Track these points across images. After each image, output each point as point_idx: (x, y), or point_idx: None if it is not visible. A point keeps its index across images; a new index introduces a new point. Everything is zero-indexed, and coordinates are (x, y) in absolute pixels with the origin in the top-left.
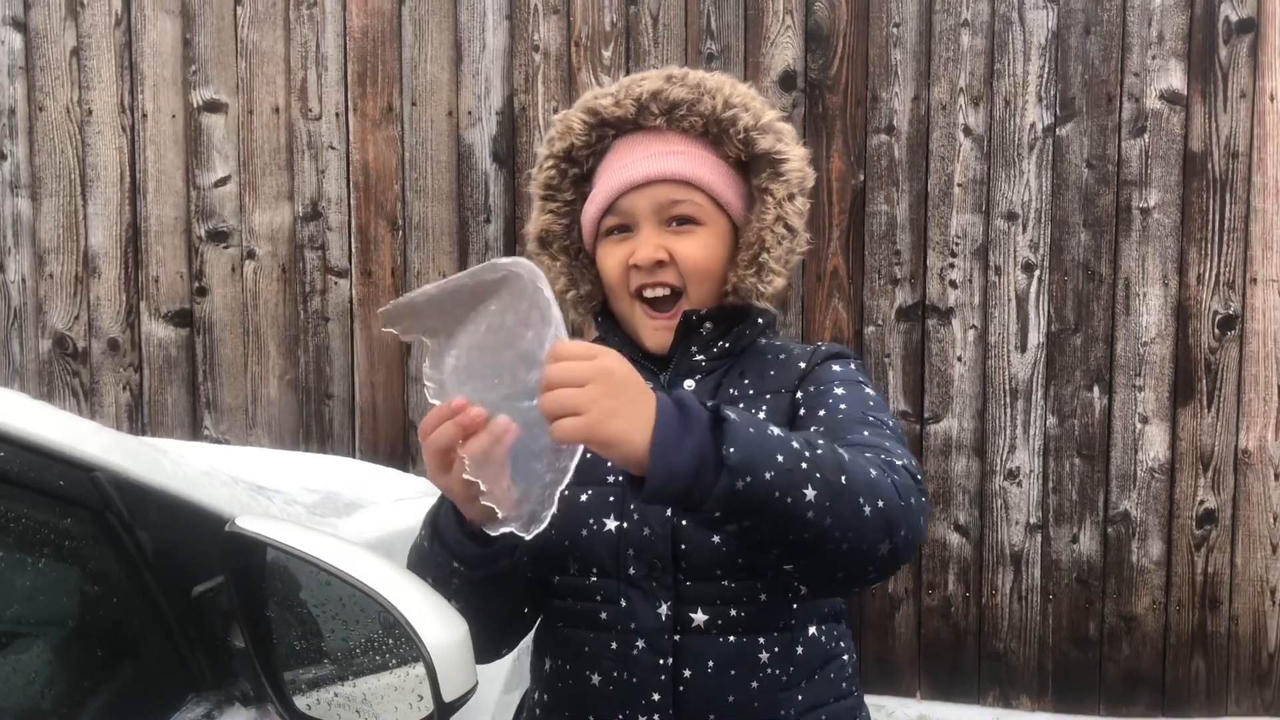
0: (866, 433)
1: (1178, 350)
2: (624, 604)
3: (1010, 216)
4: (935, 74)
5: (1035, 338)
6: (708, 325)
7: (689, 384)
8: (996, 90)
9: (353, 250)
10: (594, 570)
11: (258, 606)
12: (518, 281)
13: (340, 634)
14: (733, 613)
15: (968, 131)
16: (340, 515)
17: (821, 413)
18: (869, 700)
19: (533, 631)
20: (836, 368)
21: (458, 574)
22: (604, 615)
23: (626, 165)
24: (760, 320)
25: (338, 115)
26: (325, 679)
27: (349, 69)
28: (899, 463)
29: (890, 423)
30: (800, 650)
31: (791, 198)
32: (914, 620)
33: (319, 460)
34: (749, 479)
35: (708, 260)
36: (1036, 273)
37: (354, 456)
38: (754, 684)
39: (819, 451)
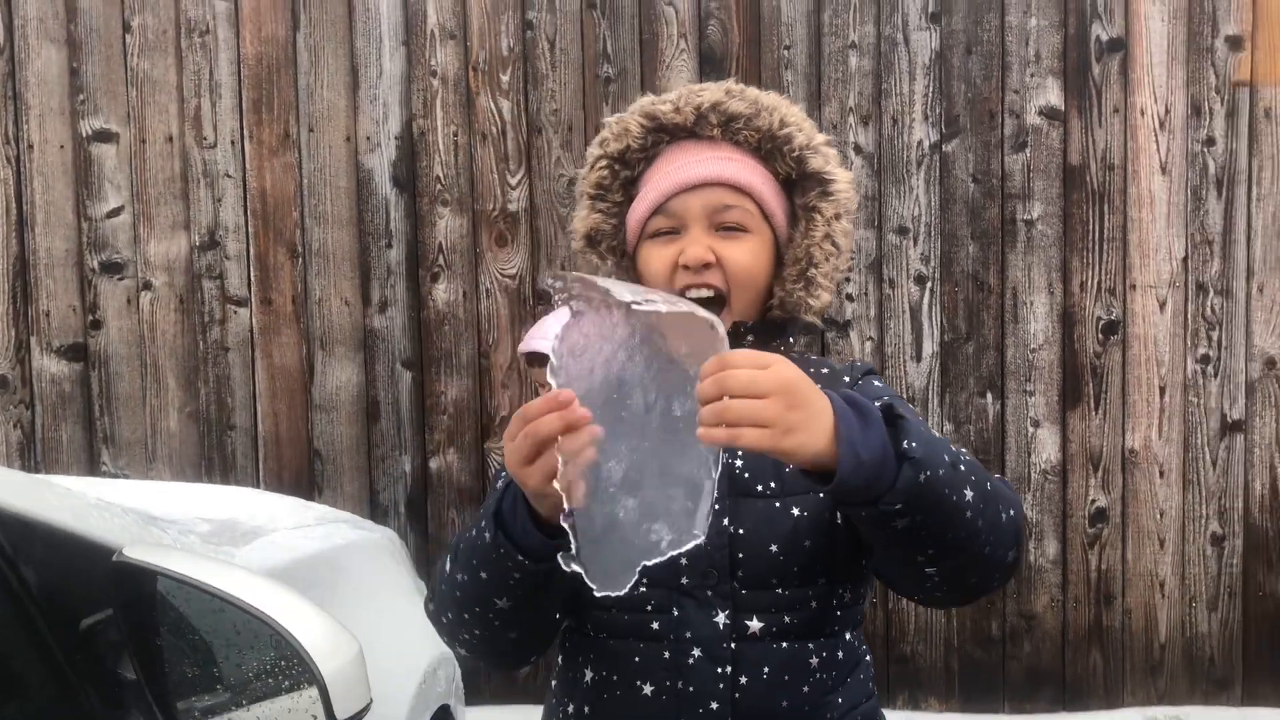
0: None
1: (1065, 356)
2: (677, 613)
3: (901, 231)
4: (826, 94)
5: (929, 347)
6: (750, 338)
7: None
8: (885, 109)
9: (252, 279)
10: (643, 580)
11: (149, 637)
12: (702, 329)
13: (234, 660)
14: (787, 620)
15: (858, 149)
16: (237, 544)
17: None
18: None
19: (557, 645)
20: (878, 384)
21: (520, 567)
22: (655, 625)
23: (680, 167)
24: (800, 336)
25: (233, 143)
26: (220, 706)
27: (244, 96)
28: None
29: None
30: (841, 655)
31: (838, 217)
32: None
33: (217, 490)
34: (928, 473)
35: (754, 267)
36: (928, 284)
37: (258, 487)
38: (805, 688)
39: (965, 457)
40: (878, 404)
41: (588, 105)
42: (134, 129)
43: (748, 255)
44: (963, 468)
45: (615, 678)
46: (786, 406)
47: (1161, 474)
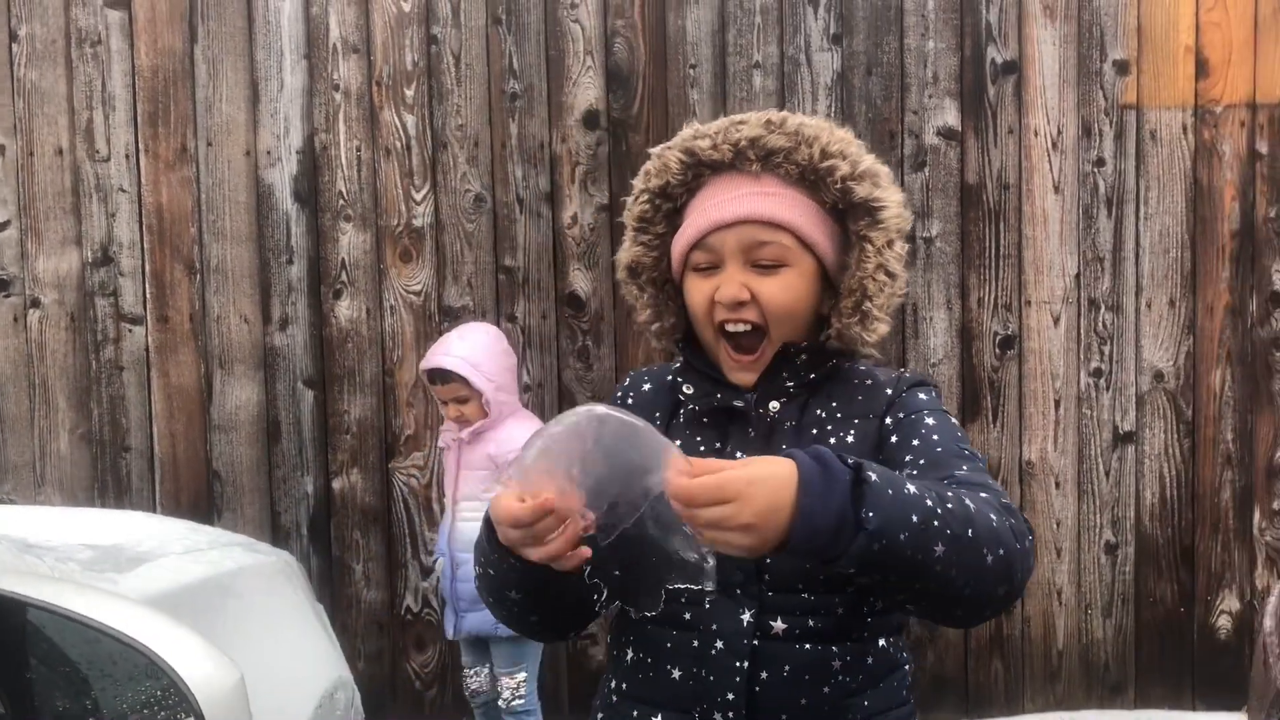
0: (965, 468)
1: (964, 370)
2: (708, 607)
3: None
4: (730, 113)
5: None
6: (803, 357)
7: (774, 405)
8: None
9: (147, 296)
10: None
11: (19, 670)
12: (593, 420)
13: (111, 692)
14: (811, 623)
15: None
16: (121, 570)
17: (915, 443)
18: None
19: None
20: (922, 395)
21: (517, 568)
22: (688, 616)
23: (718, 204)
24: (849, 355)
25: (128, 156)
26: None
27: (139, 109)
28: (1012, 504)
29: (978, 455)
30: (870, 660)
31: (890, 244)
32: None
33: (105, 515)
34: (884, 541)
35: (791, 301)
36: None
37: (154, 510)
38: (825, 689)
39: (949, 506)
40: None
41: (494, 120)
42: (21, 140)
43: (783, 290)
44: (936, 523)
45: (649, 659)
46: (753, 512)
47: (1057, 485)
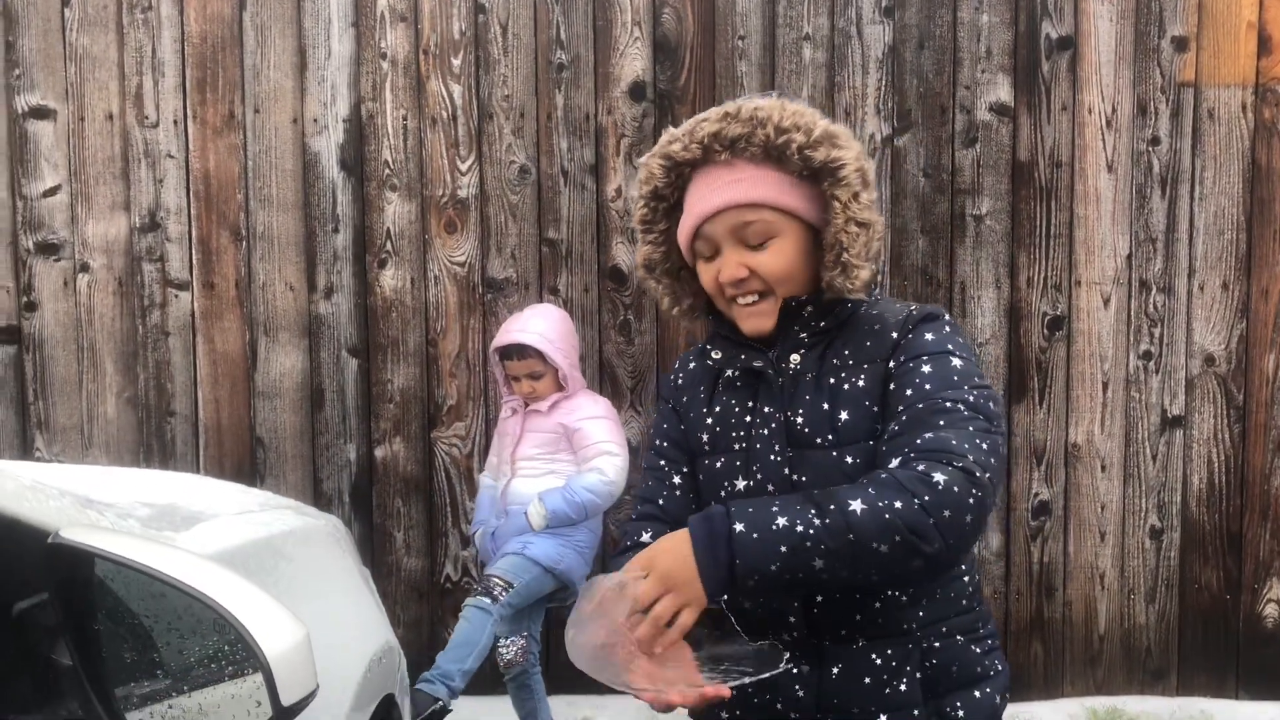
0: (941, 423)
1: (1011, 350)
2: None
3: None
4: (779, 85)
5: None
6: (809, 309)
7: (794, 358)
8: (837, 102)
9: (194, 262)
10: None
11: (85, 622)
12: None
13: (175, 646)
14: None
15: None
16: (178, 529)
17: (907, 392)
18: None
19: None
20: (929, 335)
21: None
22: None
23: (700, 199)
24: (856, 299)
25: (176, 122)
26: (160, 693)
27: (188, 75)
28: (939, 475)
29: (970, 397)
30: None
31: (856, 196)
32: None
33: (157, 475)
34: (756, 577)
35: (786, 266)
36: (879, 278)
37: (199, 475)
38: (876, 604)
39: (826, 522)
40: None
41: (540, 91)
42: (72, 106)
43: (776, 259)
44: (809, 544)
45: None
46: (674, 594)
47: (1103, 468)
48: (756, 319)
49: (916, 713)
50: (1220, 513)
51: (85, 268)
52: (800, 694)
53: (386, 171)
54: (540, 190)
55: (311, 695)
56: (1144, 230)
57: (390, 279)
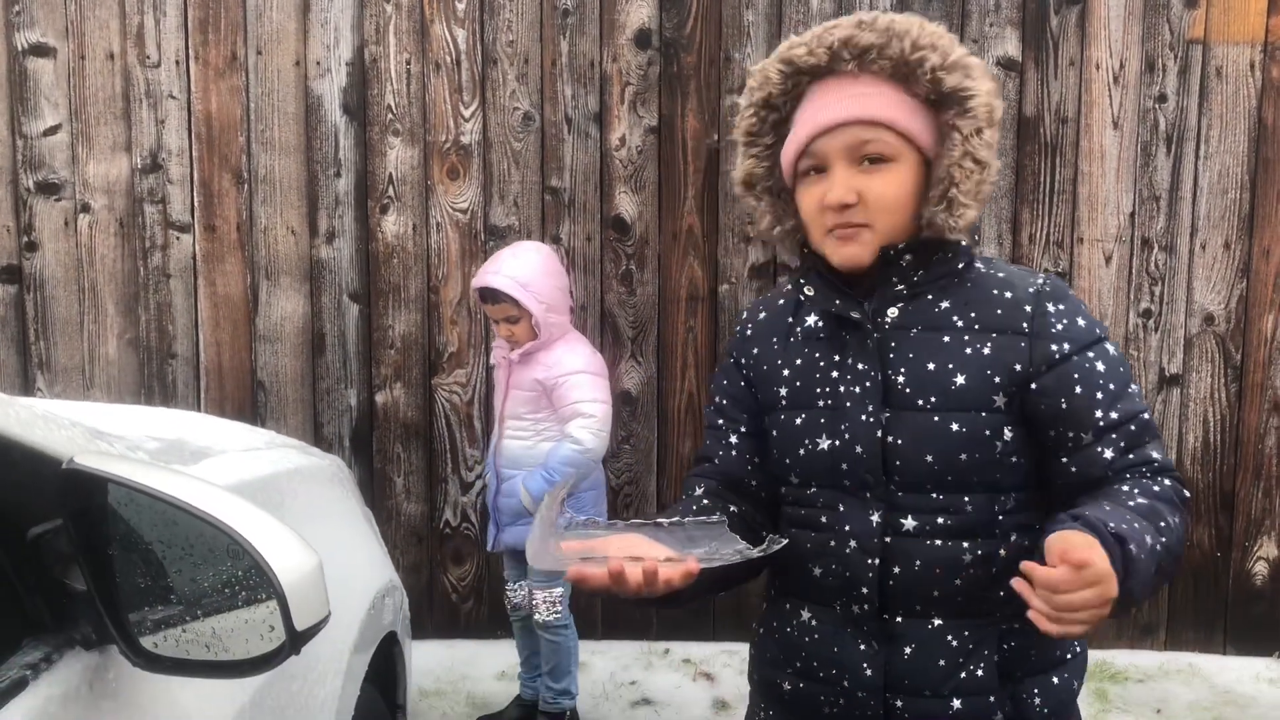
0: (1152, 447)
1: None
2: (841, 509)
3: None
4: (786, 34)
5: None
6: (907, 257)
7: (892, 311)
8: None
9: (195, 204)
10: (813, 482)
11: (99, 547)
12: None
13: (188, 573)
14: (940, 520)
15: None
16: (186, 463)
17: (1097, 395)
18: (723, 647)
19: None
20: (1081, 321)
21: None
22: (824, 519)
23: (818, 109)
24: (957, 250)
25: (178, 63)
26: (173, 618)
27: (190, 15)
28: (1186, 493)
29: (1139, 393)
30: (1003, 553)
31: (979, 131)
32: None
33: (162, 412)
34: (1137, 597)
35: (897, 196)
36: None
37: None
38: (958, 581)
39: (1166, 543)
40: (1116, 532)
41: (544, 38)
42: (73, 44)
43: (889, 185)
44: (1161, 564)
45: (795, 559)
46: (1098, 606)
47: None
48: (853, 247)
49: (992, 699)
50: (1215, 471)
51: (86, 208)
52: (869, 672)
53: (389, 116)
54: (544, 138)
55: (324, 621)
56: (1148, 188)
57: (392, 225)
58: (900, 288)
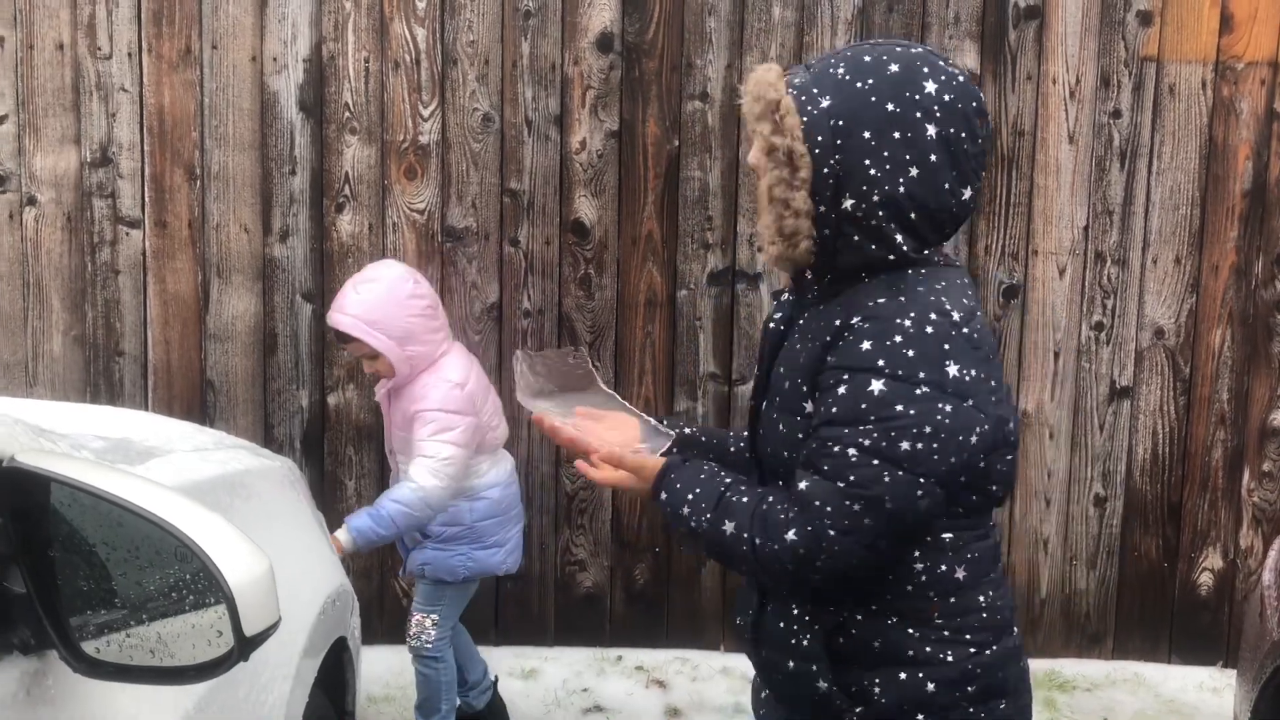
0: (825, 468)
1: None
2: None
3: None
4: (748, 43)
5: None
6: (808, 273)
7: (779, 315)
8: (805, 62)
9: (146, 199)
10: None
11: (40, 548)
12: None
13: (133, 576)
14: None
15: None
16: (132, 463)
17: (821, 411)
18: (676, 654)
19: None
20: (865, 345)
21: None
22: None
23: None
24: (846, 271)
25: (130, 55)
26: (117, 622)
27: (143, 6)
28: (790, 535)
29: (866, 441)
30: (855, 630)
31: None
32: (719, 575)
33: (108, 411)
34: (669, 509)
35: None
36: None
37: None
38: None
39: (705, 529)
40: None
41: (506, 38)
42: (21, 33)
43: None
44: (693, 536)
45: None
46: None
47: (1051, 436)
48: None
49: (815, 668)
50: (1162, 483)
51: (32, 201)
52: (749, 624)
53: (346, 114)
54: (503, 140)
55: (274, 627)
56: (1101, 202)
57: (348, 224)
58: (809, 296)
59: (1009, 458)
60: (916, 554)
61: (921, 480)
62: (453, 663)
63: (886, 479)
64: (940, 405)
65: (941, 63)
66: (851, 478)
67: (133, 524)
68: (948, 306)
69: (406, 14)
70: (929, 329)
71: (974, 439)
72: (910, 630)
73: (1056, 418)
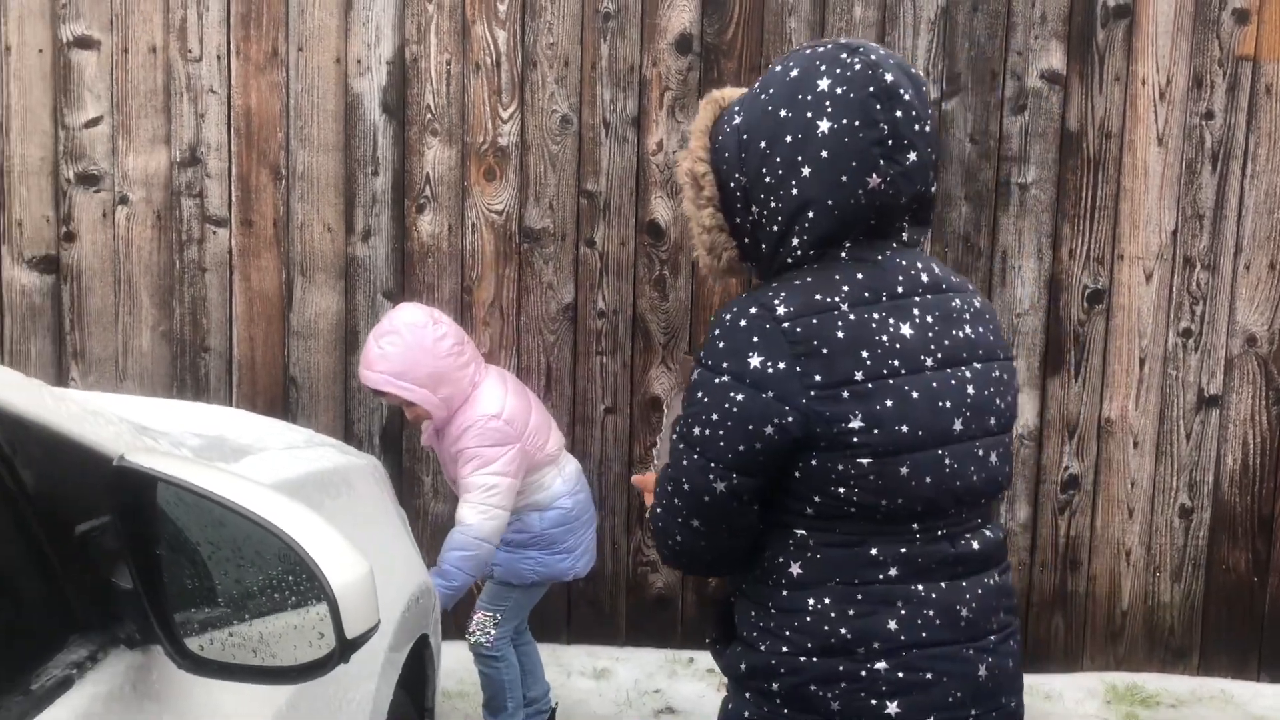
0: None
1: (1049, 322)
2: None
3: None
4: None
5: None
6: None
7: None
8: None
9: (233, 199)
10: None
11: (147, 545)
12: None
13: (236, 574)
14: None
15: None
16: (228, 460)
17: None
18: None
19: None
20: (707, 338)
21: None
22: None
23: None
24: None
25: (219, 58)
26: (219, 619)
27: (232, 10)
28: (651, 515)
29: (674, 437)
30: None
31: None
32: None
33: (202, 408)
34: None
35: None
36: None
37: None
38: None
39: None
40: None
41: (585, 41)
42: (116, 37)
43: None
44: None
45: None
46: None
47: (1135, 444)
48: None
49: (710, 639)
50: (1253, 495)
51: (124, 200)
52: None
53: (428, 116)
54: (581, 141)
55: (374, 629)
56: (1191, 206)
57: (428, 224)
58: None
59: (879, 466)
60: (768, 541)
61: (712, 464)
62: (514, 661)
63: (684, 461)
64: (733, 394)
65: (845, 55)
66: (669, 460)
67: (235, 523)
68: (776, 301)
69: (488, 16)
70: (743, 322)
71: (769, 429)
72: (751, 612)
73: (1141, 426)
